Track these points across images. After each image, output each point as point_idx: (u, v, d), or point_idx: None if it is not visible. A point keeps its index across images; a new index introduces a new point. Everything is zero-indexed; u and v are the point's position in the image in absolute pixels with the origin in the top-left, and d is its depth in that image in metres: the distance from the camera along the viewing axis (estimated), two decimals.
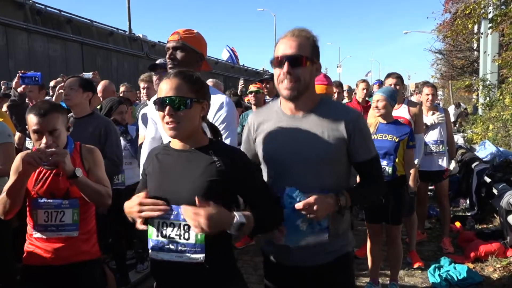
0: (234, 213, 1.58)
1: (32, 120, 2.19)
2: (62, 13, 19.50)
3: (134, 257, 4.57)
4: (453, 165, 5.14)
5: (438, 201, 5.19)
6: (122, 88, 6.08)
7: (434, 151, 4.91)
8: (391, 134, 3.62)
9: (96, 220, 2.45)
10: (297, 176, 1.78)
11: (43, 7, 18.28)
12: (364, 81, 6.41)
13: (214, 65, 34.39)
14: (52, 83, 5.89)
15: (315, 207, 1.66)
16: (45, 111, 2.18)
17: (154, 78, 4.28)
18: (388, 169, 3.58)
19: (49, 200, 2.25)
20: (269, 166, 1.91)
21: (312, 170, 1.78)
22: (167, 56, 2.34)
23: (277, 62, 1.77)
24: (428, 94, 4.93)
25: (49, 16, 18.59)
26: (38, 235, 2.27)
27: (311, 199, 1.67)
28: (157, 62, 3.51)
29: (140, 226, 1.65)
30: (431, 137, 4.93)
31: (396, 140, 3.60)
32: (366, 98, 6.12)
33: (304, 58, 1.74)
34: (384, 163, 3.56)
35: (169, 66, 2.32)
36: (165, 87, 1.66)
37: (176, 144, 1.75)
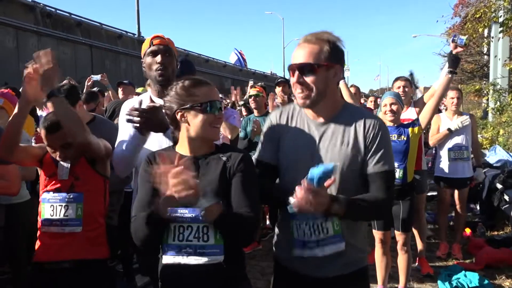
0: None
1: None
2: (72, 16, 19.71)
3: None
4: (479, 173, 4.98)
5: (455, 207, 5.06)
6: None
7: (458, 157, 4.76)
8: (399, 134, 3.57)
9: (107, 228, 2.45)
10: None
11: (53, 10, 18.47)
12: (352, 85, 6.47)
13: (222, 68, 34.49)
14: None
15: (310, 197, 1.52)
16: None
17: None
18: (399, 172, 3.52)
19: (54, 194, 2.30)
20: (287, 173, 1.85)
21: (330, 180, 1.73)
22: (160, 60, 2.24)
23: (290, 71, 1.75)
24: (453, 98, 4.78)
25: (59, 19, 18.78)
26: (44, 229, 2.31)
27: (314, 188, 1.53)
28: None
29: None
30: (455, 142, 4.76)
31: (405, 139, 3.56)
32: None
33: (315, 66, 1.69)
34: (395, 164, 3.49)
35: (160, 71, 2.24)
36: (212, 92, 1.75)
37: (185, 150, 1.76)
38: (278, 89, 5.49)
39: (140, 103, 2.11)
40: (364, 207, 1.72)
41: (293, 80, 1.74)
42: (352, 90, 6.46)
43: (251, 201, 1.66)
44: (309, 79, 1.70)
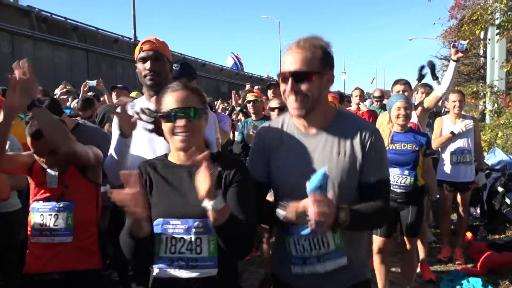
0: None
1: None
2: (68, 20, 19.66)
3: None
4: (481, 177, 4.91)
5: (457, 211, 5.00)
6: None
7: (460, 161, 4.70)
8: (410, 143, 3.50)
9: (99, 235, 2.38)
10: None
11: (49, 14, 18.42)
12: (357, 88, 6.42)
13: (219, 72, 34.48)
14: (56, 91, 5.88)
15: (323, 209, 1.42)
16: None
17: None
18: (410, 179, 3.48)
19: (44, 203, 2.24)
20: (281, 190, 1.76)
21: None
22: (149, 67, 2.20)
23: (283, 77, 1.65)
24: (455, 101, 4.72)
25: (55, 23, 18.73)
26: (34, 239, 2.26)
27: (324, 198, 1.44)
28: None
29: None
30: (457, 145, 4.71)
31: (416, 149, 3.50)
32: (361, 105, 6.11)
33: (310, 74, 1.61)
34: (405, 172, 3.47)
35: (150, 77, 2.20)
36: (174, 99, 1.64)
37: (176, 159, 1.70)
38: (269, 92, 5.50)
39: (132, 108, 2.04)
40: (367, 216, 1.64)
41: (287, 88, 1.64)
42: (357, 93, 6.41)
43: (248, 211, 1.60)
44: (304, 87, 1.61)
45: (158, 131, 1.90)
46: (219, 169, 1.63)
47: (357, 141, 1.67)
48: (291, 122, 1.78)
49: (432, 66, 5.10)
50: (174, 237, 1.58)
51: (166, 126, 1.64)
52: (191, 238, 1.57)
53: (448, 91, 4.43)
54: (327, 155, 1.67)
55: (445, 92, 4.42)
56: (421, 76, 5.37)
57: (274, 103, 4.16)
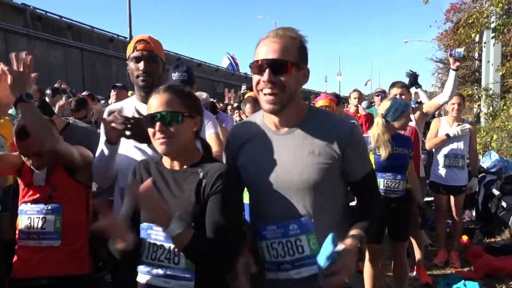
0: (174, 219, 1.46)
1: None
2: (62, 19, 19.53)
3: None
4: (474, 183, 4.89)
5: (451, 213, 4.98)
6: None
7: (452, 164, 4.70)
8: (401, 147, 3.46)
9: (90, 238, 2.31)
10: (283, 204, 1.58)
11: (43, 12, 18.28)
12: (355, 90, 6.44)
13: (215, 72, 34.42)
14: (48, 91, 5.81)
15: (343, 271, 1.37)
16: None
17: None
18: (402, 184, 3.44)
19: (32, 205, 2.19)
20: (252, 191, 1.69)
21: (302, 197, 1.56)
22: (142, 68, 2.12)
23: (257, 67, 1.53)
24: (454, 104, 4.71)
25: (50, 22, 18.58)
26: (21, 243, 2.20)
27: (340, 266, 1.37)
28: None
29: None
30: (451, 148, 4.70)
31: (407, 152, 3.47)
32: (360, 108, 6.10)
33: (288, 64, 1.51)
34: (398, 177, 3.42)
35: (142, 78, 2.13)
36: (155, 103, 1.60)
37: (168, 162, 1.66)
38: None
39: (122, 109, 1.99)
40: (374, 221, 1.63)
41: (260, 78, 1.53)
42: (355, 95, 6.41)
43: (227, 227, 1.52)
44: (281, 79, 1.51)
45: (135, 137, 1.88)
46: (200, 175, 1.57)
47: (333, 139, 1.59)
48: (261, 120, 1.70)
49: (414, 78, 5.09)
50: (155, 244, 1.56)
51: (149, 131, 1.60)
52: (170, 247, 1.53)
53: (449, 100, 4.43)
54: (299, 154, 1.58)
55: (447, 101, 4.41)
56: (411, 84, 5.37)
57: (248, 112, 4.14)
